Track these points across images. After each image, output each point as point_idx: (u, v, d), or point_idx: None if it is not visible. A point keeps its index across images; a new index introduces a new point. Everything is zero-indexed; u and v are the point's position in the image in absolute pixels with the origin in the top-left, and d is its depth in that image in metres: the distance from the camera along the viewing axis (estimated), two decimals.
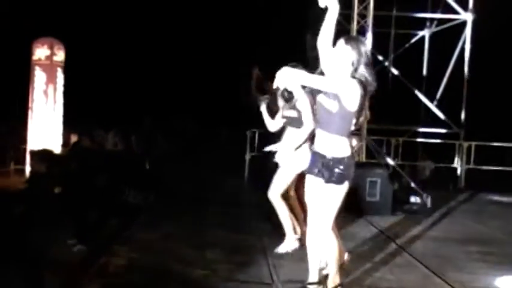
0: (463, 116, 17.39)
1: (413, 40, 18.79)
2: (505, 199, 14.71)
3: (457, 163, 17.28)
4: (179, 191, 13.39)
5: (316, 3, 5.51)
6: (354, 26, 16.00)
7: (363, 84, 5.66)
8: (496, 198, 14.77)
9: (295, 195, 8.18)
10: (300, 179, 7.70)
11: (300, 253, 7.31)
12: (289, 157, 7.77)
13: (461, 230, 10.60)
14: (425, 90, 17.96)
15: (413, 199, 12.88)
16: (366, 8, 16.03)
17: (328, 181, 5.73)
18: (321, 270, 6.06)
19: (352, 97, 5.57)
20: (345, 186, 5.75)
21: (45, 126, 15.57)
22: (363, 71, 5.68)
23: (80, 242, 8.03)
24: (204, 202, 12.05)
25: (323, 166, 5.77)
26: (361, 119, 5.99)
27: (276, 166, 8.07)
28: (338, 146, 5.70)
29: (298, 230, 8.04)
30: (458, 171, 17.22)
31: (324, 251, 5.99)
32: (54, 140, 15.71)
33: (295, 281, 6.64)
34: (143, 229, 9.27)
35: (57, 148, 15.59)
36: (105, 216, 9.99)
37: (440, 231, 10.41)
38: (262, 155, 8.86)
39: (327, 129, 5.76)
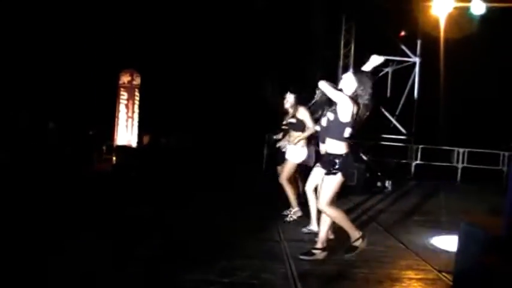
0: (413, 127, 17.33)
1: (380, 74, 18.34)
2: (440, 184, 14.60)
3: (409, 160, 17.25)
4: (217, 178, 13.30)
5: (320, 15, 5.31)
6: (341, 62, 16.31)
7: (359, 106, 5.39)
8: (433, 184, 14.61)
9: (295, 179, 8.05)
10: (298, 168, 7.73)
11: (300, 222, 7.45)
12: (293, 152, 7.62)
13: (410, 205, 10.52)
14: (388, 109, 17.87)
15: (379, 184, 12.79)
16: (349, 50, 16.35)
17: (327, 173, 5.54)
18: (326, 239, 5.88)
19: (345, 112, 5.37)
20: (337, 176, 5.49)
21: (126, 129, 15.71)
22: (364, 98, 5.41)
23: (149, 206, 8.19)
24: (234, 187, 11.98)
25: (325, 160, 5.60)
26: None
27: (282, 158, 7.83)
28: (335, 146, 5.48)
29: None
30: (411, 166, 17.16)
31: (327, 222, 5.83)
32: (132, 138, 15.86)
33: (295, 239, 6.68)
34: (194, 203, 9.22)
35: (134, 144, 15.75)
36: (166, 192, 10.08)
37: (396, 206, 10.36)
38: (274, 151, 8.65)
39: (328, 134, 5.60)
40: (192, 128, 18.22)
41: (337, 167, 5.38)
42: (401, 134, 17.42)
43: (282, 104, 7.83)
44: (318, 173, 6.42)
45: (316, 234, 6.59)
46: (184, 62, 18.46)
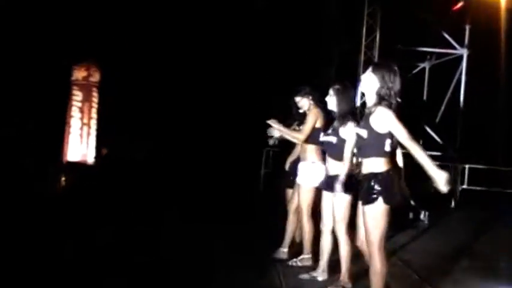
0: (458, 140, 17.10)
1: (415, 71, 18.49)
2: (493, 217, 14.13)
3: (453, 183, 16.42)
4: (200, 202, 13.23)
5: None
6: (362, 57, 16.02)
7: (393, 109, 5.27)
8: (486, 216, 14.20)
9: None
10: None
11: (307, 267, 7.28)
12: (305, 173, 7.42)
13: (455, 245, 10.17)
14: (425, 117, 17.67)
15: (411, 215, 12.65)
16: (373, 41, 16.09)
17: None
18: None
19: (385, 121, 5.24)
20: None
21: (81, 140, 15.53)
22: (392, 98, 5.28)
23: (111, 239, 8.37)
24: (222, 213, 11.90)
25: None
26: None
27: (293, 179, 7.76)
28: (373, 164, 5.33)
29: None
30: (456, 192, 16.67)
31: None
32: (88, 152, 15.69)
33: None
34: (169, 234, 9.26)
35: (90, 160, 15.48)
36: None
37: (435, 245, 10.14)
38: (277, 169, 8.82)
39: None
40: (167, 138, 18.29)
41: (376, 189, 5.21)
42: (442, 149, 17.13)
43: (292, 110, 7.87)
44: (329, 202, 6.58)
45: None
46: (158, 54, 18.37)
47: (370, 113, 5.30)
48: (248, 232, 9.90)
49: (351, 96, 6.64)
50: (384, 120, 5.20)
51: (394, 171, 5.29)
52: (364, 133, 5.31)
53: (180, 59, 18.66)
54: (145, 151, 16.60)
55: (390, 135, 5.24)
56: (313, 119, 7.32)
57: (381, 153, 5.25)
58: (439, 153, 16.77)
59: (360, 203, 5.38)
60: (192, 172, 16.87)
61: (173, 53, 18.59)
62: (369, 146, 5.32)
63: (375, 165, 5.27)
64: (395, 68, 5.35)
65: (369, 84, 5.37)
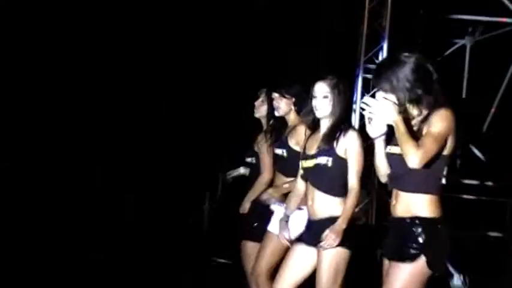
0: None
1: (448, 52, 17.88)
2: None
3: (508, 231, 16.03)
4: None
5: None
6: (364, 29, 15.51)
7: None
8: None
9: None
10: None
11: None
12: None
13: None
14: (465, 122, 16.55)
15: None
16: (382, 4, 15.49)
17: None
18: None
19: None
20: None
21: None
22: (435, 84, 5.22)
23: None
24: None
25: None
26: None
27: (258, 229, 7.56)
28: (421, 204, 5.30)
29: None
30: None
31: None
32: None
33: None
34: None
35: None
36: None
37: None
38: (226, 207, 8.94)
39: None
40: (74, 154, 18.29)
41: (420, 243, 5.11)
42: (490, 174, 16.60)
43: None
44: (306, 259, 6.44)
45: None
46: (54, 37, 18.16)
47: (419, 123, 5.20)
48: None
49: (348, 94, 6.56)
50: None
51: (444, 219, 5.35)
52: None
53: (89, 45, 18.78)
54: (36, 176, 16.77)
55: (450, 156, 5.33)
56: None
57: (435, 187, 5.21)
58: (485, 182, 16.66)
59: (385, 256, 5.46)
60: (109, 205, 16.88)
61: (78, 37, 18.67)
62: (418, 174, 5.16)
63: (423, 205, 5.16)
64: (407, 53, 5.20)
65: (393, 110, 5.11)
